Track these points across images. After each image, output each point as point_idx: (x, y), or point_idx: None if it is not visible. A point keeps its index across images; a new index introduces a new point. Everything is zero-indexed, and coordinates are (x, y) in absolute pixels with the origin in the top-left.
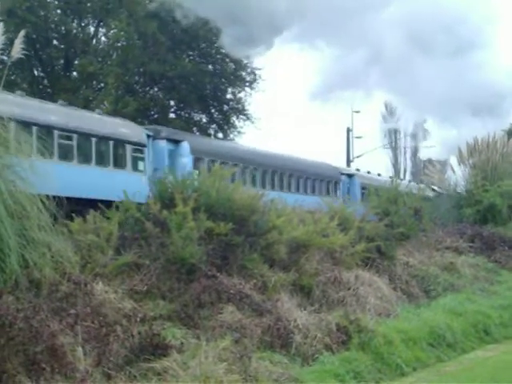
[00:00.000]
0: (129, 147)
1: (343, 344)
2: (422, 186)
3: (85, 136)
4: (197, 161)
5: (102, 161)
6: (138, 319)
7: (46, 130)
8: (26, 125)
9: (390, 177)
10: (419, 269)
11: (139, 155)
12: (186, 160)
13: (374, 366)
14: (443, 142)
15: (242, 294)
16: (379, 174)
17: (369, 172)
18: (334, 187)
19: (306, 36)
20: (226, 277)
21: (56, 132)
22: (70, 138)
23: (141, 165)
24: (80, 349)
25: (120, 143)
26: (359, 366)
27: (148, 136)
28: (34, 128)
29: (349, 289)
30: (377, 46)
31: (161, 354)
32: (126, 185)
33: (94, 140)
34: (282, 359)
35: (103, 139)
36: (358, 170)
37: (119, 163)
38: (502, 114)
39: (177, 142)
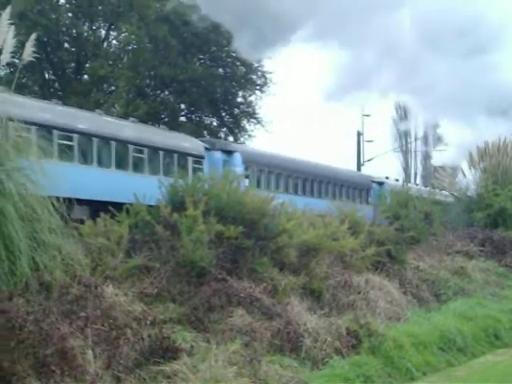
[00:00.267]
0: (190, 159)
1: (353, 348)
2: (432, 190)
3: (154, 150)
4: (248, 170)
5: (168, 172)
6: (148, 322)
7: (123, 144)
8: (106, 140)
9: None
10: (429, 273)
11: (198, 166)
12: (238, 169)
13: (384, 370)
14: (459, 145)
15: (252, 297)
16: (405, 181)
17: (397, 180)
18: (366, 194)
19: (320, 36)
20: (236, 280)
21: (131, 146)
22: (141, 152)
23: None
24: (90, 351)
25: (183, 156)
26: (369, 370)
27: (205, 148)
28: (113, 143)
29: (359, 293)
30: (391, 47)
31: (171, 357)
32: None
33: (161, 153)
34: (291, 363)
35: (169, 152)
36: (387, 177)
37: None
38: None
39: (230, 153)
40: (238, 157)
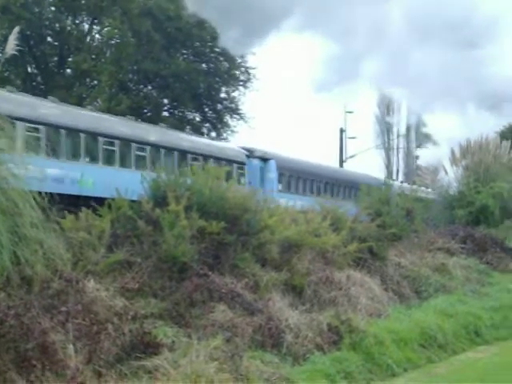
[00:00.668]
0: (235, 165)
1: (334, 344)
2: (414, 187)
3: (206, 157)
4: (280, 176)
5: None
6: (130, 317)
7: (182, 153)
8: (170, 150)
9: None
10: (411, 269)
11: (241, 171)
12: (272, 175)
13: (365, 366)
14: (449, 139)
15: (234, 293)
16: (414, 183)
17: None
18: None
19: (307, 27)
20: (218, 276)
21: (189, 155)
22: (197, 160)
23: (242, 180)
24: (71, 346)
25: (229, 162)
26: (350, 366)
27: (246, 156)
28: (176, 153)
29: (340, 289)
30: (380, 38)
31: (152, 353)
32: None
33: (211, 160)
34: (273, 358)
35: (218, 159)
36: (401, 182)
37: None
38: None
39: (266, 160)
40: (272, 163)
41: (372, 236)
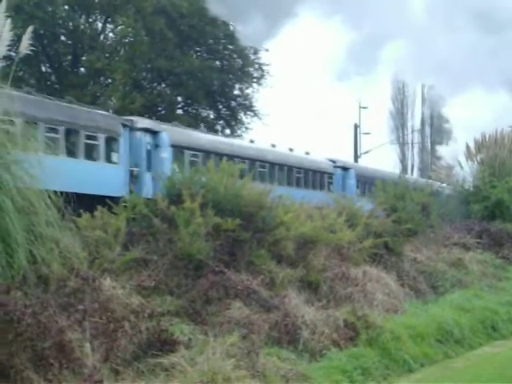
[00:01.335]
0: (325, 176)
1: (351, 340)
2: (429, 181)
3: (307, 171)
4: (357, 182)
5: (315, 186)
6: (146, 315)
7: (290, 169)
8: (281, 166)
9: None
10: (427, 265)
11: (330, 181)
12: (352, 182)
13: (382, 362)
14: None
15: (250, 289)
16: (430, 178)
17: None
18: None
19: (328, 15)
20: (234, 273)
21: (295, 169)
22: (300, 173)
23: (331, 187)
24: (88, 344)
25: (322, 174)
26: (367, 362)
27: (334, 166)
28: (286, 168)
29: (356, 285)
30: (402, 25)
31: (168, 350)
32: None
33: (310, 173)
34: (289, 355)
35: (314, 172)
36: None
37: (322, 187)
38: None
39: (346, 169)
40: (352, 172)
41: (388, 231)
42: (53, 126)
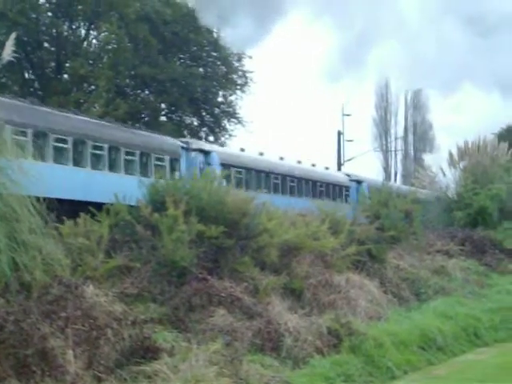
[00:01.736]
0: (343, 188)
1: (334, 347)
2: (412, 188)
3: (329, 185)
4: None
5: (335, 198)
6: (129, 322)
7: (322, 185)
8: (314, 182)
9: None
10: (410, 272)
11: (347, 193)
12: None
13: (365, 369)
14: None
15: (233, 297)
16: (412, 185)
17: None
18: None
19: (316, 14)
20: (217, 280)
21: (318, 183)
22: (322, 186)
23: (348, 199)
24: (70, 352)
25: (341, 187)
26: (350, 369)
27: (350, 180)
28: (310, 182)
29: (339, 292)
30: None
31: (151, 357)
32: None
33: (331, 186)
34: (272, 362)
35: (335, 185)
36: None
37: (341, 198)
38: None
39: (360, 183)
40: (365, 185)
41: (371, 239)
42: (131, 151)
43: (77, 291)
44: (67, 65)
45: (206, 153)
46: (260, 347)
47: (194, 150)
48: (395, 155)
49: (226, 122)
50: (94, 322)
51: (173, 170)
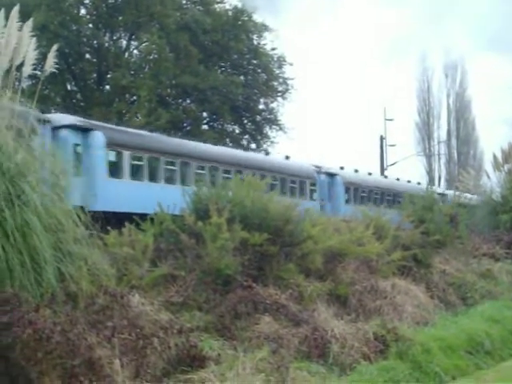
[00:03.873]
0: (306, 182)
1: (381, 353)
2: (456, 192)
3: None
4: None
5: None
6: (175, 331)
7: (369, 189)
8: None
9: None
10: (456, 276)
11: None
12: None
13: (413, 374)
14: None
15: (279, 304)
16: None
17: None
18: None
19: None
20: (262, 287)
21: (373, 190)
22: (389, 195)
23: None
24: (117, 361)
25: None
26: (397, 374)
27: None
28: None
29: (385, 297)
30: None
31: (198, 366)
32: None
33: (391, 193)
34: (319, 369)
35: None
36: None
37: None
38: None
39: (332, 176)
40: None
41: (416, 243)
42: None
43: (122, 301)
44: (109, 76)
45: (332, 175)
46: (306, 354)
47: (323, 172)
48: (439, 159)
49: (267, 129)
50: (141, 331)
51: (311, 191)
